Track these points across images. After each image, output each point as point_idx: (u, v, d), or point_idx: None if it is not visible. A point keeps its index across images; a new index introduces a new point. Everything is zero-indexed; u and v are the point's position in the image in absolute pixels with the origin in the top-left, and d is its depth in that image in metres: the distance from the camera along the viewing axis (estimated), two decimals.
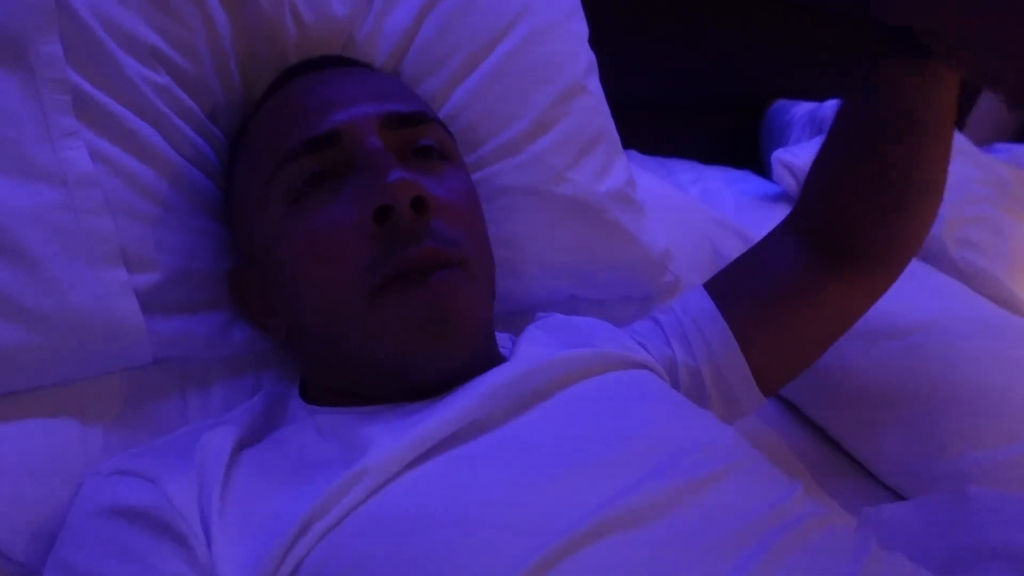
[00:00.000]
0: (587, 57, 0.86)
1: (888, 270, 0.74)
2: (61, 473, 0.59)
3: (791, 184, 1.31)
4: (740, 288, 0.73)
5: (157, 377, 0.67)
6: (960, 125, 1.67)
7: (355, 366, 0.59)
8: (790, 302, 0.71)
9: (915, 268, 1.19)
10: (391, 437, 0.51)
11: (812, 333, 0.73)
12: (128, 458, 0.55)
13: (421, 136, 0.62)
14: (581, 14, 0.88)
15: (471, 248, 0.59)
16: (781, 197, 1.33)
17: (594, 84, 0.86)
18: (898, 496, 0.91)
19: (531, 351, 0.63)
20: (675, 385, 0.69)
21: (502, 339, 0.71)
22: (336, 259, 0.56)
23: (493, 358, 0.64)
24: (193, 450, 0.53)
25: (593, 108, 0.84)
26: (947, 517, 0.62)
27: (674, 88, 1.50)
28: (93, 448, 0.61)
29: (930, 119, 0.66)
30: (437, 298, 0.55)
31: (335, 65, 0.68)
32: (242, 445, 0.56)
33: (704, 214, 1.02)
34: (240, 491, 0.52)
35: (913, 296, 0.97)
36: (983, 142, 1.73)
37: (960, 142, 1.41)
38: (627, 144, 0.89)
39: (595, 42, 0.87)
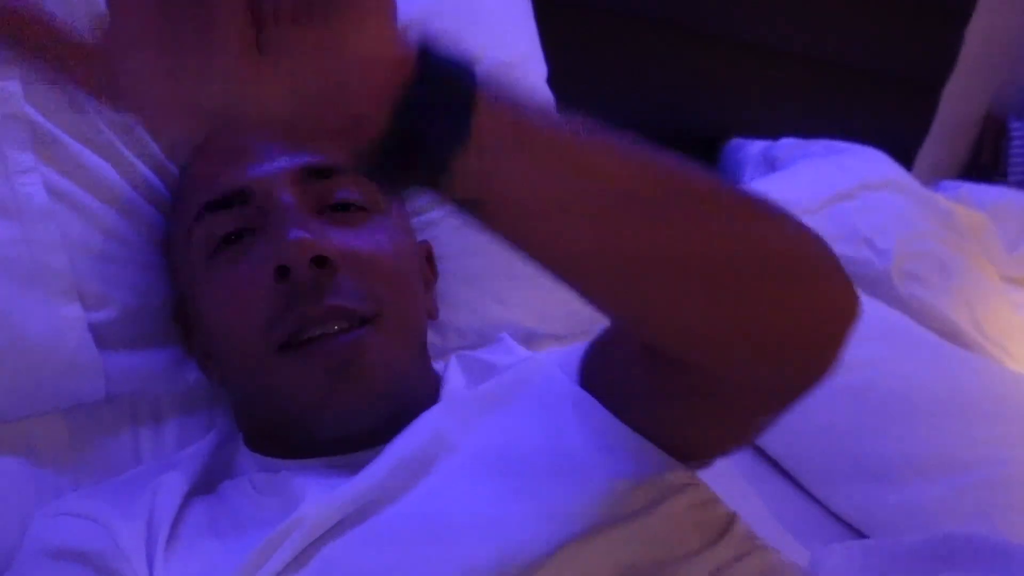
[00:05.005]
0: (545, 97, 0.87)
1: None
2: (10, 511, 0.58)
3: None
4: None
5: (108, 414, 0.66)
6: (907, 164, 1.72)
7: (269, 419, 0.60)
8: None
9: (863, 303, 1.23)
10: (322, 491, 0.51)
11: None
12: (77, 499, 0.55)
13: (339, 188, 0.60)
14: (540, 55, 0.90)
15: (387, 301, 0.57)
16: None
17: None
18: (853, 529, 0.93)
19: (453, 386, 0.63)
20: None
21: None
22: (241, 317, 0.57)
23: (431, 403, 0.62)
24: (144, 493, 0.53)
25: None
26: (905, 563, 0.63)
27: (633, 126, 1.53)
28: (43, 486, 0.60)
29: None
30: (339, 357, 0.54)
31: None
32: (193, 492, 0.56)
33: None
34: (185, 541, 0.52)
35: (861, 330, 0.99)
36: (930, 180, 1.78)
37: (907, 180, 1.46)
38: None
39: (554, 83, 0.90)
